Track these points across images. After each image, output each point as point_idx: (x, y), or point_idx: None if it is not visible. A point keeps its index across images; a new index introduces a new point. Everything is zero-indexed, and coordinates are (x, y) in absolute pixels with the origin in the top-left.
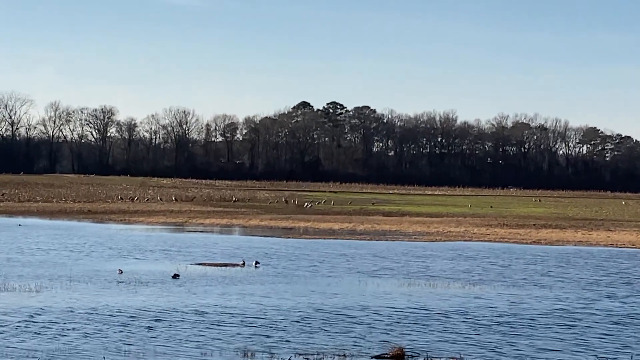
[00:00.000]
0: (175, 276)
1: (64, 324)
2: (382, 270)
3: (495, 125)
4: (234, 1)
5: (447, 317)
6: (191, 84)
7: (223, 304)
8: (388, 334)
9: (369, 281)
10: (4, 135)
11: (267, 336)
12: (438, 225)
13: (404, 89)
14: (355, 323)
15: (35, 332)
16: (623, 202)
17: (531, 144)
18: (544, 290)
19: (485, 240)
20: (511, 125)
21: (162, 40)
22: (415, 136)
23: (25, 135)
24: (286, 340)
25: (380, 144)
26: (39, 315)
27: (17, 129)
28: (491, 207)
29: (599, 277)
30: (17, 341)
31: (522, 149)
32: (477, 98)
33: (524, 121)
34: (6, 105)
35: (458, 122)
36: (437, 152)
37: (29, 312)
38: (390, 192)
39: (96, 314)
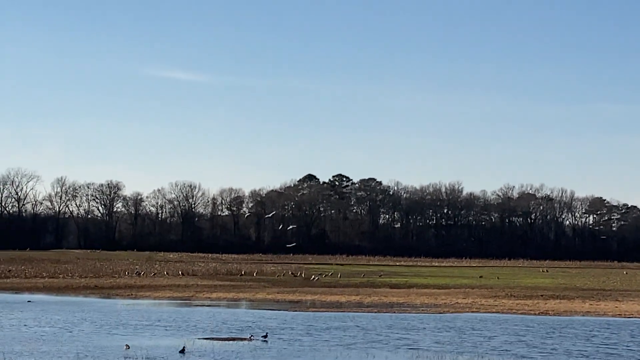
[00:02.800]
0: (182, 351)
1: None
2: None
3: (501, 196)
4: (238, 76)
5: None
6: (197, 158)
7: None
8: None
9: (374, 354)
10: (11, 211)
11: None
12: (446, 296)
13: (409, 160)
14: None
15: None
16: (625, 272)
17: (537, 214)
18: None
19: (493, 312)
20: (517, 196)
21: (167, 114)
22: (422, 208)
23: (32, 211)
24: None
25: (387, 216)
26: None
27: (23, 205)
28: (498, 278)
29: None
30: None
31: (529, 219)
32: (483, 169)
33: (530, 192)
34: (12, 182)
35: (464, 193)
36: (444, 223)
37: None
38: (398, 264)
39: None
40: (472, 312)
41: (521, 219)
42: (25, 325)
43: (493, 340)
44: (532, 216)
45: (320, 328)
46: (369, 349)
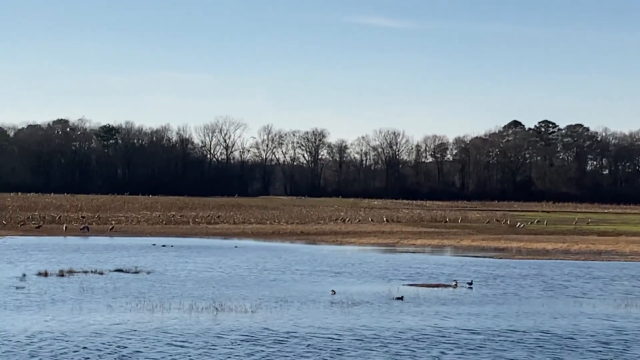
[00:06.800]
0: (399, 298)
1: (282, 344)
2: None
3: None
4: (442, 22)
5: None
6: (400, 106)
7: (431, 325)
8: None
9: (581, 302)
10: (219, 159)
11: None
12: None
13: (618, 106)
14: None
15: (249, 354)
16: None
17: None
18: None
19: None
20: None
21: (369, 62)
22: (631, 154)
23: (240, 158)
24: None
25: (594, 163)
26: (255, 336)
27: (231, 152)
28: None
29: None
30: None
31: None
32: None
33: None
34: (221, 130)
35: None
36: None
37: (245, 332)
38: (605, 211)
39: (310, 334)
40: None
41: None
42: (235, 269)
43: None
44: None
45: (527, 275)
46: (577, 297)
